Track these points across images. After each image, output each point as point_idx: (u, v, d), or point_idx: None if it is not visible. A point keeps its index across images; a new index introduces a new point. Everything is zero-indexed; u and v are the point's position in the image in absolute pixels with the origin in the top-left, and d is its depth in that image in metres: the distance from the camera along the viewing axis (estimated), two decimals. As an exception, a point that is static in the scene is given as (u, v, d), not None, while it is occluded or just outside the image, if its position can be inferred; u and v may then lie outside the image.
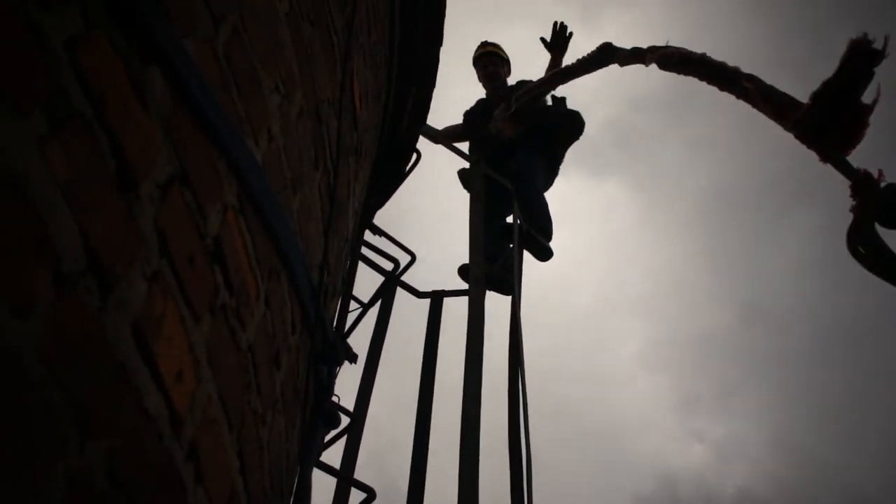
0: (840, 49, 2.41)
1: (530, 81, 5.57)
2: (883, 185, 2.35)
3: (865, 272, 2.33)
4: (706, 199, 18.77)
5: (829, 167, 2.53)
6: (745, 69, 2.63)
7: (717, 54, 2.95)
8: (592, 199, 18.52)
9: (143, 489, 1.01)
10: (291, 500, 1.99)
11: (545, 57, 5.78)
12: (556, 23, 5.70)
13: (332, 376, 2.31)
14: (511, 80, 5.94)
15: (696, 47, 3.06)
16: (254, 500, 1.52)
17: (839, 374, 16.87)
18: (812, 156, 2.53)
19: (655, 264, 19.10)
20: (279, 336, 1.70)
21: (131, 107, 1.08)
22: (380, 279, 4.51)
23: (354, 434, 3.65)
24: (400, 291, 4.50)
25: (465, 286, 4.52)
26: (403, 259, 4.53)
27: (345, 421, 3.55)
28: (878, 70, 2.40)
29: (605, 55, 3.72)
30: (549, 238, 5.19)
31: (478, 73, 6.08)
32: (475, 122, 5.75)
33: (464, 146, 5.68)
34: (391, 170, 4.40)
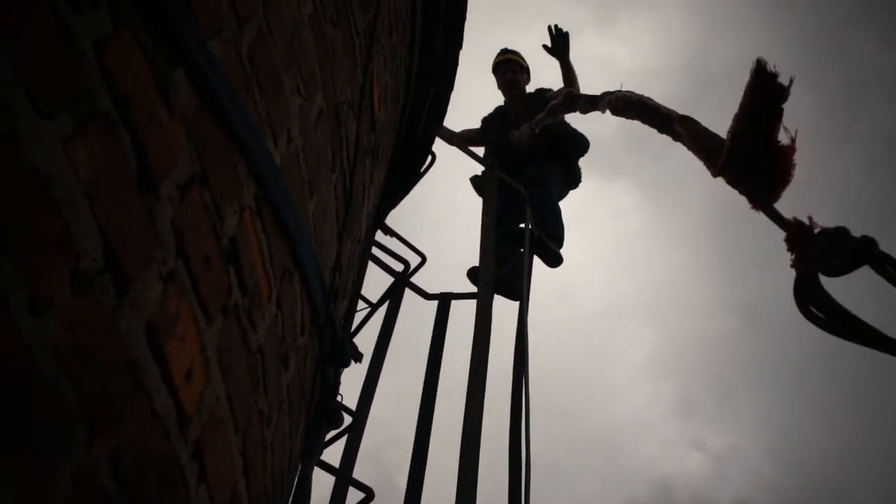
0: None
1: (550, 90, 5.64)
2: (817, 231, 2.25)
3: (878, 284, 2.20)
4: (714, 205, 18.72)
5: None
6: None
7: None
8: (602, 202, 18.50)
9: (146, 487, 1.02)
10: (290, 499, 1.99)
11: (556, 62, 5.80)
12: (549, 27, 5.72)
13: (338, 377, 2.32)
14: (530, 88, 5.98)
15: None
16: (255, 500, 1.53)
17: (844, 386, 16.80)
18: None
19: (663, 270, 19.08)
20: (288, 337, 1.71)
21: (156, 108, 1.09)
22: (388, 278, 4.53)
23: (355, 433, 3.67)
24: (408, 292, 4.52)
25: (473, 289, 4.53)
26: (413, 260, 4.54)
27: (347, 420, 3.56)
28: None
29: (569, 103, 3.86)
30: (561, 244, 5.20)
31: (497, 80, 6.08)
32: (492, 129, 5.79)
33: (479, 151, 5.71)
34: (406, 170, 4.41)
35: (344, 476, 3.12)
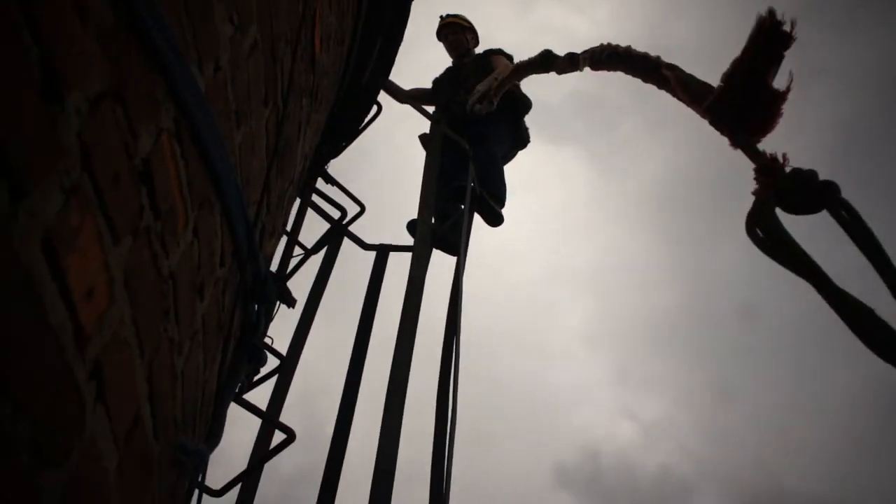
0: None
1: (499, 51, 5.80)
2: (788, 169, 2.36)
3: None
4: (662, 179, 18.96)
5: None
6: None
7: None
8: (550, 167, 18.58)
9: (34, 401, 1.00)
10: (205, 432, 1.99)
11: (519, 28, 5.96)
12: None
13: (262, 315, 2.30)
14: (479, 50, 6.18)
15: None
16: (161, 427, 1.52)
17: (778, 365, 17.27)
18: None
19: (607, 239, 19.30)
20: (205, 267, 1.69)
21: (67, 16, 1.06)
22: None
23: (284, 377, 3.67)
24: (347, 242, 4.50)
25: (412, 242, 4.53)
26: (354, 210, 4.53)
27: (276, 364, 3.56)
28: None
29: (546, 62, 3.86)
30: (502, 204, 5.24)
31: (444, 46, 6.35)
32: (443, 91, 5.97)
33: (431, 110, 5.79)
34: (350, 119, 4.37)
35: (267, 418, 3.12)
